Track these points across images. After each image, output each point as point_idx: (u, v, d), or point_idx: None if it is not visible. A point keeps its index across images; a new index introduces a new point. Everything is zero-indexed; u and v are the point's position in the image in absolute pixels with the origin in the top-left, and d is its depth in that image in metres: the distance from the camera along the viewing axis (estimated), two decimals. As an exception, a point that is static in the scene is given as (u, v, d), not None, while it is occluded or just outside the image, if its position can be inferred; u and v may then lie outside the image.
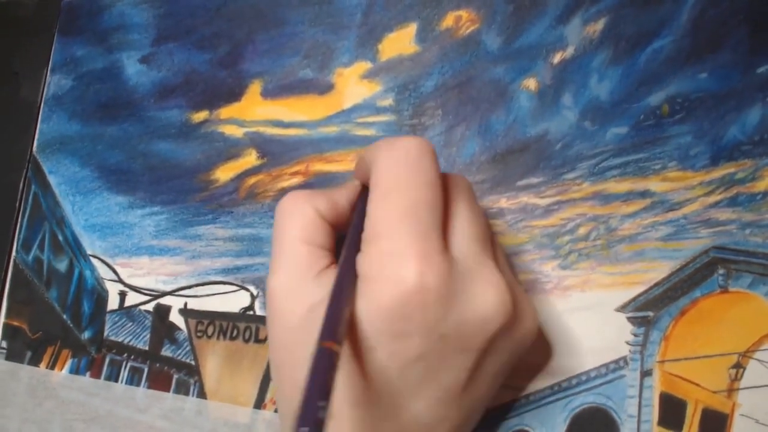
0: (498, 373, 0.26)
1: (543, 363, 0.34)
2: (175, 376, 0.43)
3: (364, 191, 0.30)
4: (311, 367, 0.19)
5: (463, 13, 0.39)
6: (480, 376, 0.25)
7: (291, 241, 0.26)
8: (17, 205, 0.50)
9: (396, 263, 0.22)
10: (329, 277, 0.25)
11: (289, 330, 0.24)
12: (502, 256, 0.28)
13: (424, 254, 0.22)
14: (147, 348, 0.44)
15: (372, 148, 0.26)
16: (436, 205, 0.23)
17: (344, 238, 0.32)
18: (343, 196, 0.28)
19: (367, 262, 0.23)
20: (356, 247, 0.24)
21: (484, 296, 0.23)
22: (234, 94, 0.45)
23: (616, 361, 0.32)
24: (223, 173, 0.44)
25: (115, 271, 0.47)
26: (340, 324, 0.20)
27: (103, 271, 0.47)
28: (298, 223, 0.26)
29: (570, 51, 0.37)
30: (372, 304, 0.22)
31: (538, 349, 0.34)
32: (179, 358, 0.43)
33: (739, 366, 0.30)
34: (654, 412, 0.31)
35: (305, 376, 0.19)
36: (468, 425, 0.27)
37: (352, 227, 0.26)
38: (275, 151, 0.43)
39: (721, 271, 0.31)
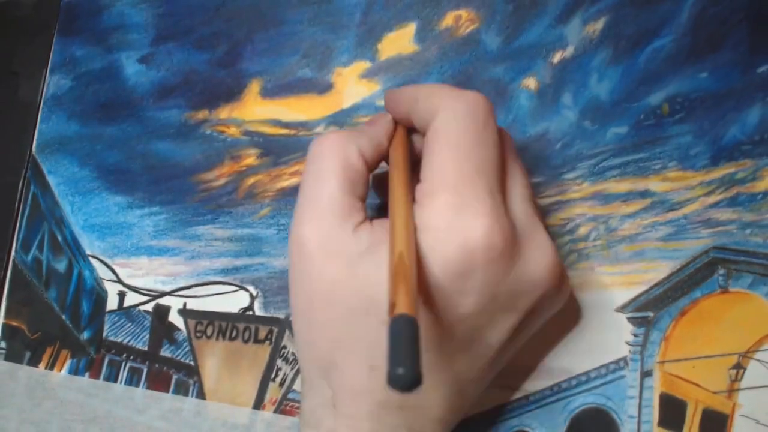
0: (532, 332, 0.27)
1: (543, 363, 0.34)
2: (175, 377, 0.43)
3: (404, 132, 0.28)
4: (392, 336, 0.17)
5: (463, 13, 0.39)
6: (518, 335, 0.25)
7: (331, 191, 0.24)
8: (16, 205, 0.50)
9: (466, 217, 0.22)
10: (367, 233, 0.24)
11: (326, 284, 0.23)
12: (541, 217, 0.28)
13: (493, 212, 0.22)
14: (146, 348, 0.44)
15: (429, 93, 0.25)
16: (501, 166, 0.24)
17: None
18: (384, 136, 0.26)
19: (432, 214, 0.22)
20: (408, 198, 0.23)
21: (538, 261, 0.24)
22: (233, 94, 0.45)
23: (616, 362, 0.32)
24: (222, 173, 0.44)
25: (114, 272, 0.46)
26: (413, 290, 0.19)
27: (102, 272, 0.47)
28: (340, 170, 0.24)
29: (570, 50, 0.37)
30: (436, 254, 0.22)
31: (538, 349, 0.34)
32: (178, 358, 0.43)
33: (739, 366, 0.30)
34: (654, 412, 0.31)
35: (386, 344, 0.18)
36: (483, 388, 0.28)
37: (397, 174, 0.24)
38: (274, 151, 0.43)
39: (721, 272, 0.31)
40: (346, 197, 0.24)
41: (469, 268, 0.22)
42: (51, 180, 0.50)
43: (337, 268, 0.23)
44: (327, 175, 0.24)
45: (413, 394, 0.21)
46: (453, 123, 0.23)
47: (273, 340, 0.40)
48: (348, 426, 0.23)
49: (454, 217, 0.22)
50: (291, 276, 0.26)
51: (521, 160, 0.27)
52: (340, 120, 0.41)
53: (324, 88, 0.42)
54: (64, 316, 0.47)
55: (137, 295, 0.46)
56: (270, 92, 0.44)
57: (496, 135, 0.24)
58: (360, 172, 0.25)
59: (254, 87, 0.44)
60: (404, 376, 0.16)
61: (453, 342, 0.23)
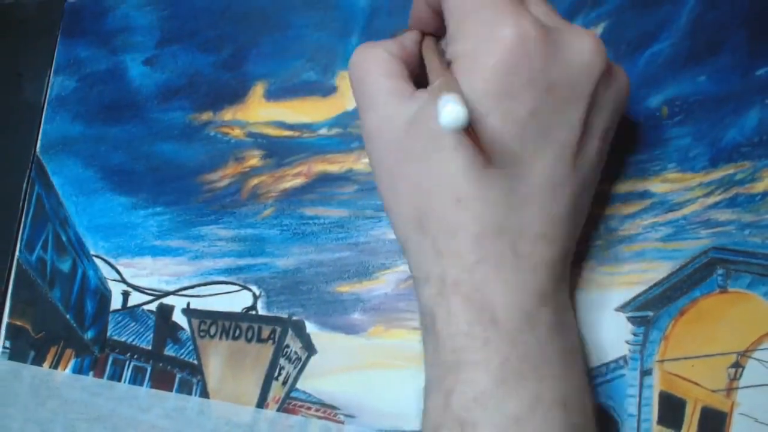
0: (606, 129, 0.26)
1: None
2: (178, 376, 0.43)
3: (432, 38, 0.30)
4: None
5: (465, 17, 0.40)
6: (591, 132, 0.25)
7: (375, 79, 0.26)
8: (21, 205, 0.50)
9: (490, 29, 0.22)
10: (422, 94, 0.26)
11: (393, 144, 0.25)
12: None
13: (515, 10, 0.23)
14: (150, 348, 0.45)
15: None
16: None
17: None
18: (408, 39, 0.29)
19: (459, 46, 0.23)
20: (444, 64, 0.25)
21: (581, 43, 0.24)
22: (237, 96, 0.45)
23: (616, 361, 0.33)
24: (226, 174, 0.45)
25: (118, 272, 0.47)
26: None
27: (106, 272, 0.47)
28: (375, 65, 0.27)
29: (571, 54, 0.37)
30: (476, 73, 0.23)
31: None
32: (182, 357, 0.44)
33: (738, 365, 0.31)
34: (653, 411, 0.32)
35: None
36: (583, 198, 0.27)
37: (429, 64, 0.26)
38: (278, 153, 0.43)
39: (720, 272, 0.31)
40: (389, 80, 0.26)
41: (511, 66, 0.22)
42: (55, 181, 0.50)
43: (399, 129, 0.25)
44: (367, 73, 0.27)
45: (507, 214, 0.23)
46: None
47: (276, 339, 0.40)
48: (455, 265, 0.23)
49: (480, 36, 0.23)
50: (368, 152, 0.28)
51: None
52: (343, 122, 0.42)
53: (328, 90, 0.43)
54: (68, 316, 0.47)
55: (141, 294, 0.46)
56: (274, 95, 0.44)
57: None
58: (394, 62, 0.27)
59: (258, 89, 0.45)
60: (453, 109, 0.19)
61: (524, 146, 0.23)
